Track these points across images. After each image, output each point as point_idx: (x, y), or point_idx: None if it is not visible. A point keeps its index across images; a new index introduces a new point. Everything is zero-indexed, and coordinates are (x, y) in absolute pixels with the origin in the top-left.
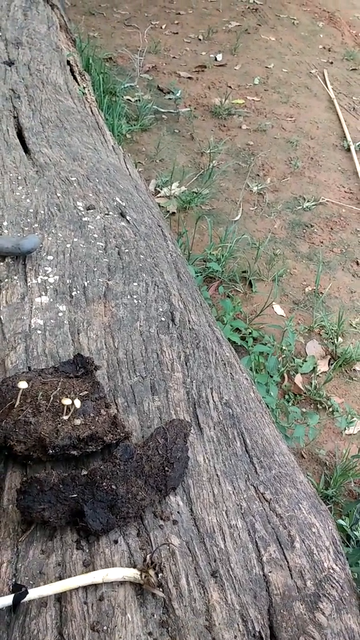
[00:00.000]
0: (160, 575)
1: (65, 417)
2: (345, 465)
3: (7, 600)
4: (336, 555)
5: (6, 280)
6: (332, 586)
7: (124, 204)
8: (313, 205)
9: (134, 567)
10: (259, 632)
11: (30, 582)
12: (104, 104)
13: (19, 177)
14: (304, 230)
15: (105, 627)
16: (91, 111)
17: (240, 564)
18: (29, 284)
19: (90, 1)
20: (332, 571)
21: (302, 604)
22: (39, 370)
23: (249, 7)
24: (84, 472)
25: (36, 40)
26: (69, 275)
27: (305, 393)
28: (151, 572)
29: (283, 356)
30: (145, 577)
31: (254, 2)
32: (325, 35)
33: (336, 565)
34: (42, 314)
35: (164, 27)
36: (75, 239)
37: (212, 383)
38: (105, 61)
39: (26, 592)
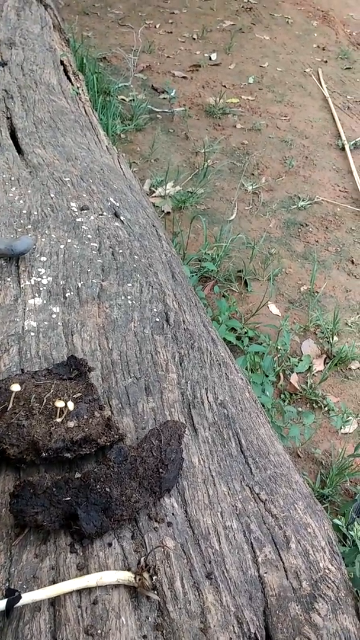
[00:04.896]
0: (154, 577)
1: (59, 420)
2: (342, 464)
3: (1, 605)
4: (332, 555)
5: None
6: (327, 586)
7: (118, 204)
8: (308, 204)
9: (128, 570)
10: (255, 633)
11: (24, 586)
12: (98, 104)
13: (12, 178)
14: (299, 229)
15: (99, 631)
16: (85, 111)
17: (235, 565)
18: (22, 286)
19: (84, 1)
20: (327, 571)
21: (297, 605)
22: (32, 373)
23: (243, 6)
24: (78, 475)
25: (29, 40)
26: (63, 277)
27: (300, 392)
28: (145, 575)
29: (279, 355)
30: (139, 580)
31: (248, 1)
32: (319, 34)
33: (332, 565)
34: (36, 315)
35: (158, 26)
36: (69, 240)
37: (207, 383)
38: (99, 61)
39: (19, 597)
